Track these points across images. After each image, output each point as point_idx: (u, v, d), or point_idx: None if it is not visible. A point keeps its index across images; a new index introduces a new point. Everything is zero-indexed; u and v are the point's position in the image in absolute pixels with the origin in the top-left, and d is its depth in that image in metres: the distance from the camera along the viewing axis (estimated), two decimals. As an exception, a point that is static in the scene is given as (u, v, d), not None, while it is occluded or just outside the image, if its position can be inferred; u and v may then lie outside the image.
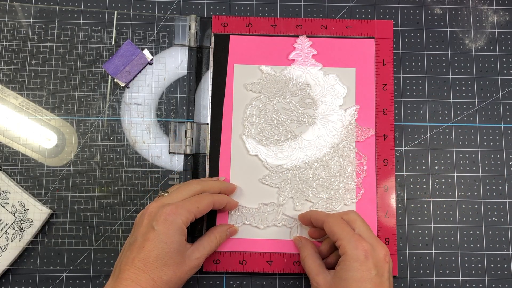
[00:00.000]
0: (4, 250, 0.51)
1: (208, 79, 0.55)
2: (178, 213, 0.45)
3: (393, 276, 0.53)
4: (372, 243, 0.45)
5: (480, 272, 0.53)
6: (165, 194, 0.48)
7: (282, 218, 0.53)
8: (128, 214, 0.53)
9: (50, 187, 0.54)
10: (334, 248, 0.50)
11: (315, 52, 0.56)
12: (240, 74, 0.55)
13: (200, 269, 0.52)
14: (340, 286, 0.44)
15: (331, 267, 0.48)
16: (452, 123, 0.56)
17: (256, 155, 0.54)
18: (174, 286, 0.45)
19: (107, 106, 0.55)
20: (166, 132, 0.55)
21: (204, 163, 0.54)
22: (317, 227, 0.51)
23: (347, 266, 0.44)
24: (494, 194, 0.54)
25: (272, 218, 0.53)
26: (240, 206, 0.53)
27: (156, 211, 0.45)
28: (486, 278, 0.53)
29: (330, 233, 0.47)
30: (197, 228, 0.52)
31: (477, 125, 0.56)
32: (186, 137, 0.54)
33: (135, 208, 0.53)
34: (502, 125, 0.56)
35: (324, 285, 0.45)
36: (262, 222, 0.53)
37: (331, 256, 0.50)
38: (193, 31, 0.56)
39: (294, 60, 0.55)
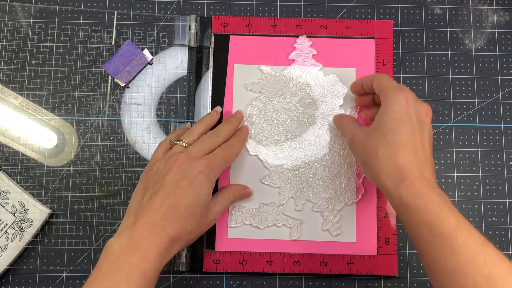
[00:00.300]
0: (4, 250, 0.51)
1: (208, 79, 0.55)
2: (212, 168, 0.45)
3: (393, 276, 0.53)
4: (416, 97, 0.44)
5: (480, 272, 0.53)
6: (184, 145, 0.48)
7: (282, 218, 0.53)
8: (128, 214, 0.53)
9: (50, 187, 0.54)
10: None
11: (315, 52, 0.56)
12: (240, 74, 0.55)
13: (200, 269, 0.52)
14: (378, 129, 0.44)
15: None
16: (452, 123, 0.56)
17: (256, 155, 0.54)
18: (194, 237, 0.45)
19: (107, 106, 0.55)
20: (166, 132, 0.55)
21: (204, 163, 0.54)
22: (366, 95, 0.52)
23: (386, 109, 0.44)
24: (494, 194, 0.54)
25: (272, 218, 0.53)
26: (240, 206, 0.53)
27: (189, 162, 0.45)
28: (486, 278, 0.53)
29: (378, 86, 0.47)
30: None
31: (477, 125, 0.56)
32: (186, 137, 0.54)
33: (135, 208, 0.53)
34: (502, 125, 0.56)
35: (361, 134, 0.46)
36: (262, 222, 0.53)
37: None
38: (193, 31, 0.56)
39: (294, 60, 0.55)
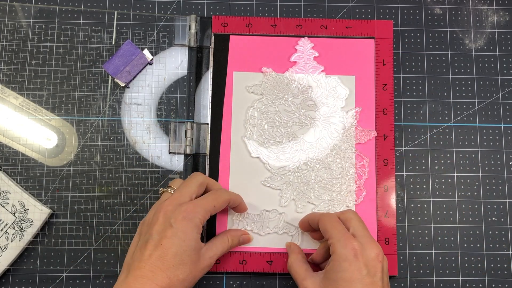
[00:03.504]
0: (4, 250, 0.51)
1: (208, 79, 0.55)
2: (197, 212, 0.45)
3: (393, 276, 0.53)
4: (364, 242, 0.44)
5: (480, 272, 0.53)
6: (170, 191, 0.47)
7: (283, 225, 0.52)
8: (128, 214, 0.53)
9: (50, 187, 0.54)
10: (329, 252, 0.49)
11: (316, 54, 0.55)
12: (241, 78, 0.55)
13: (200, 269, 0.52)
14: (330, 287, 0.43)
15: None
16: (452, 123, 0.56)
17: (258, 157, 0.54)
18: (188, 285, 0.44)
19: (107, 106, 0.55)
20: (166, 132, 0.55)
21: (204, 163, 0.54)
22: (316, 230, 0.50)
23: (336, 267, 0.43)
24: (494, 194, 0.54)
25: (274, 225, 0.52)
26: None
27: (173, 209, 0.45)
28: (486, 278, 0.53)
29: (323, 231, 0.46)
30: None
31: (477, 125, 0.56)
32: (186, 137, 0.54)
33: (135, 208, 0.53)
34: (502, 125, 0.56)
35: (312, 286, 0.45)
36: (263, 229, 0.52)
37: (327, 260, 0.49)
38: (193, 31, 0.56)
39: (295, 62, 0.55)
